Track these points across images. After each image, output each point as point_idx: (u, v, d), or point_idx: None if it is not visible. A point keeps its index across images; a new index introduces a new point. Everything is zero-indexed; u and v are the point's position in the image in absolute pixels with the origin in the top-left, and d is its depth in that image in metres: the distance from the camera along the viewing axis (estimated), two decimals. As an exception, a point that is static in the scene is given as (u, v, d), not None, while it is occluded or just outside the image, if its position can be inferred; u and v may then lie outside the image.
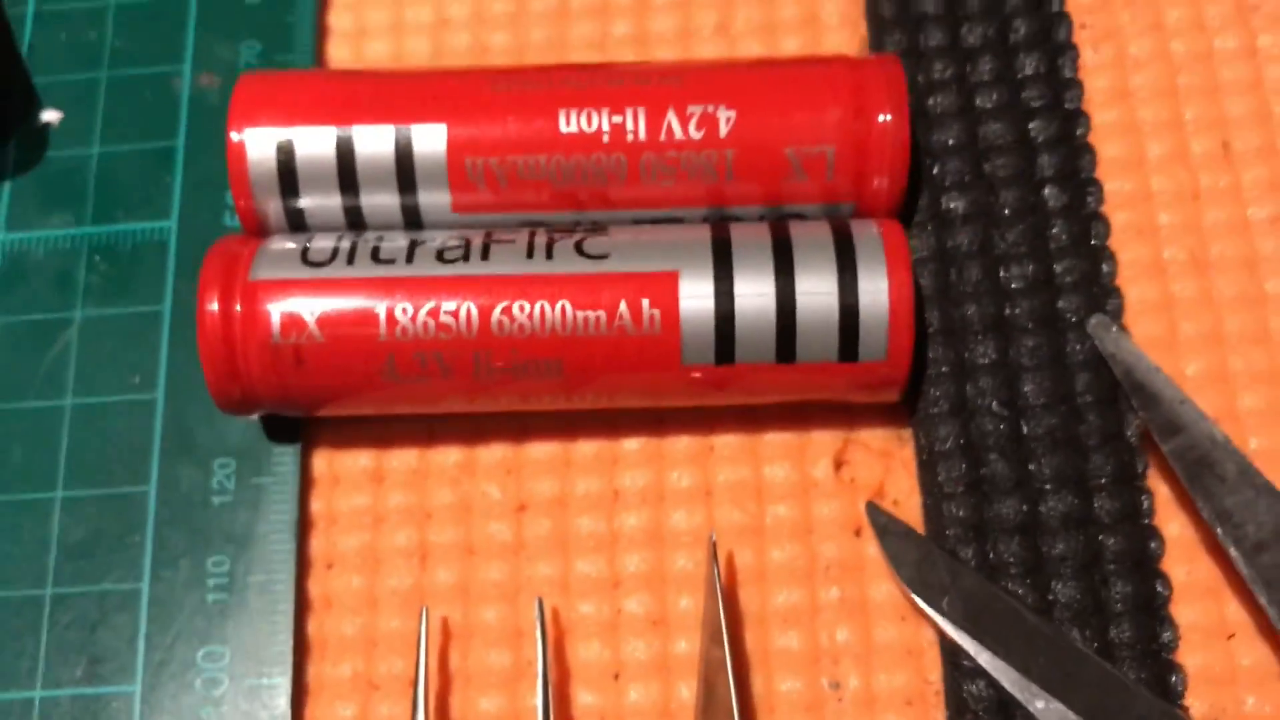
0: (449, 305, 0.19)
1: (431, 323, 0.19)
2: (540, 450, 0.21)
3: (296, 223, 0.20)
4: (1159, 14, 0.23)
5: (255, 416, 0.21)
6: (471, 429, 0.21)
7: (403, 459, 0.21)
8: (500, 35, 0.24)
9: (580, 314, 0.19)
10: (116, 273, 0.22)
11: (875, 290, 0.19)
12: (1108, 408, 0.20)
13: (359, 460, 0.21)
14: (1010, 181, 0.21)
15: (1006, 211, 0.21)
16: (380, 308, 0.19)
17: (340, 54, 0.24)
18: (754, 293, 0.19)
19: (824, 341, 0.19)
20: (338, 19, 0.24)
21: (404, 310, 0.19)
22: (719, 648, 0.18)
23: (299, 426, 0.21)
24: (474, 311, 0.19)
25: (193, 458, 0.21)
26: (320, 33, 0.24)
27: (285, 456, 0.21)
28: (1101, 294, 0.20)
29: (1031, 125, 0.21)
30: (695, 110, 0.20)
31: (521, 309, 0.19)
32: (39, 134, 0.23)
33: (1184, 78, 0.22)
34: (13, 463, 0.21)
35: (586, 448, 0.21)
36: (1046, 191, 0.21)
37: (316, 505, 0.21)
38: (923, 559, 0.19)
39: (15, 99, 0.24)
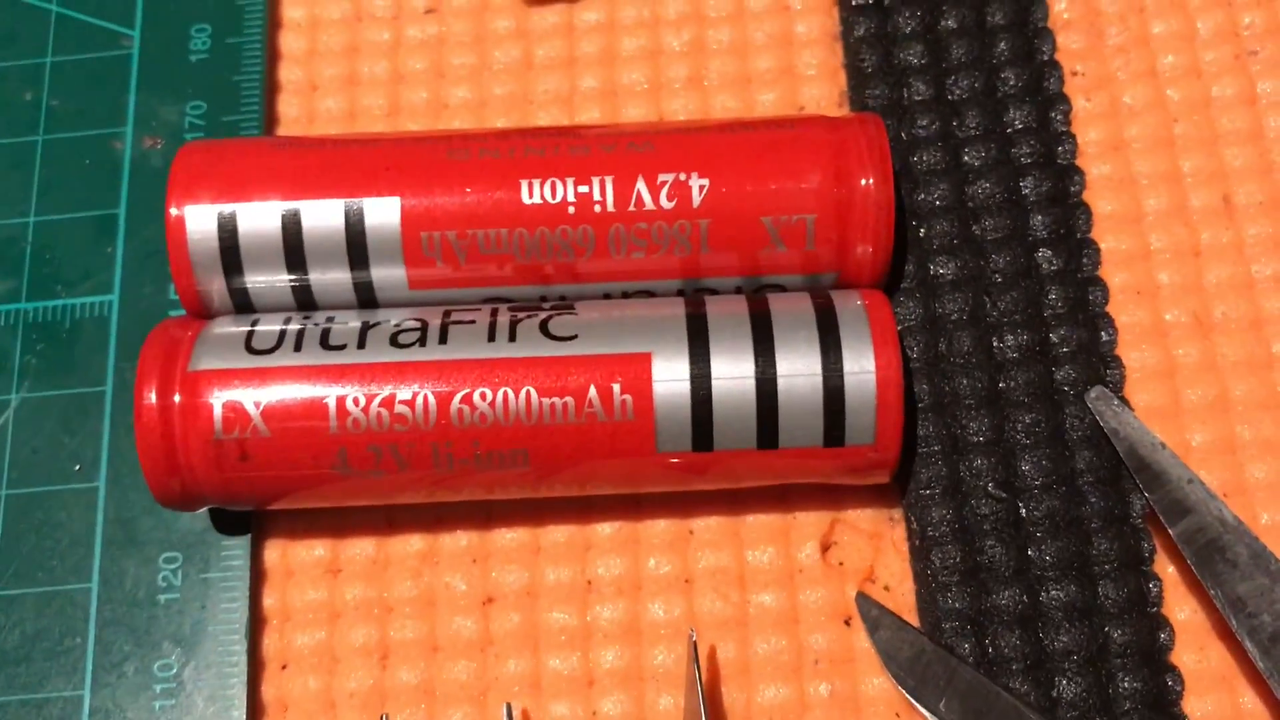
0: (404, 394, 0.17)
1: (385, 413, 0.17)
2: (507, 537, 0.20)
3: (242, 302, 0.19)
4: (1153, 60, 0.22)
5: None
6: (433, 515, 0.20)
7: (360, 548, 0.20)
8: (461, 90, 0.22)
9: (547, 400, 0.17)
10: (55, 351, 0.21)
11: (861, 370, 0.17)
12: (1111, 487, 0.18)
13: (314, 551, 0.20)
14: (1001, 244, 0.20)
15: (998, 277, 0.20)
16: (330, 398, 0.17)
17: (291, 111, 0.23)
18: (732, 375, 0.17)
19: (808, 426, 0.17)
20: (288, 73, 0.23)
21: (355, 400, 0.17)
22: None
23: (249, 516, 0.20)
24: (431, 400, 0.17)
25: (137, 552, 0.20)
26: (270, 89, 0.23)
27: (235, 549, 0.20)
28: (1100, 363, 0.19)
29: (1023, 183, 0.20)
30: (666, 178, 0.18)
31: (483, 396, 0.17)
32: (-30, 202, 0.22)
33: (1181, 127, 0.21)
34: (-57, 560, 0.20)
35: (557, 533, 0.20)
36: (1040, 254, 0.20)
37: (269, 600, 0.20)
38: (918, 654, 0.18)
39: (-54, 165, 0.22)
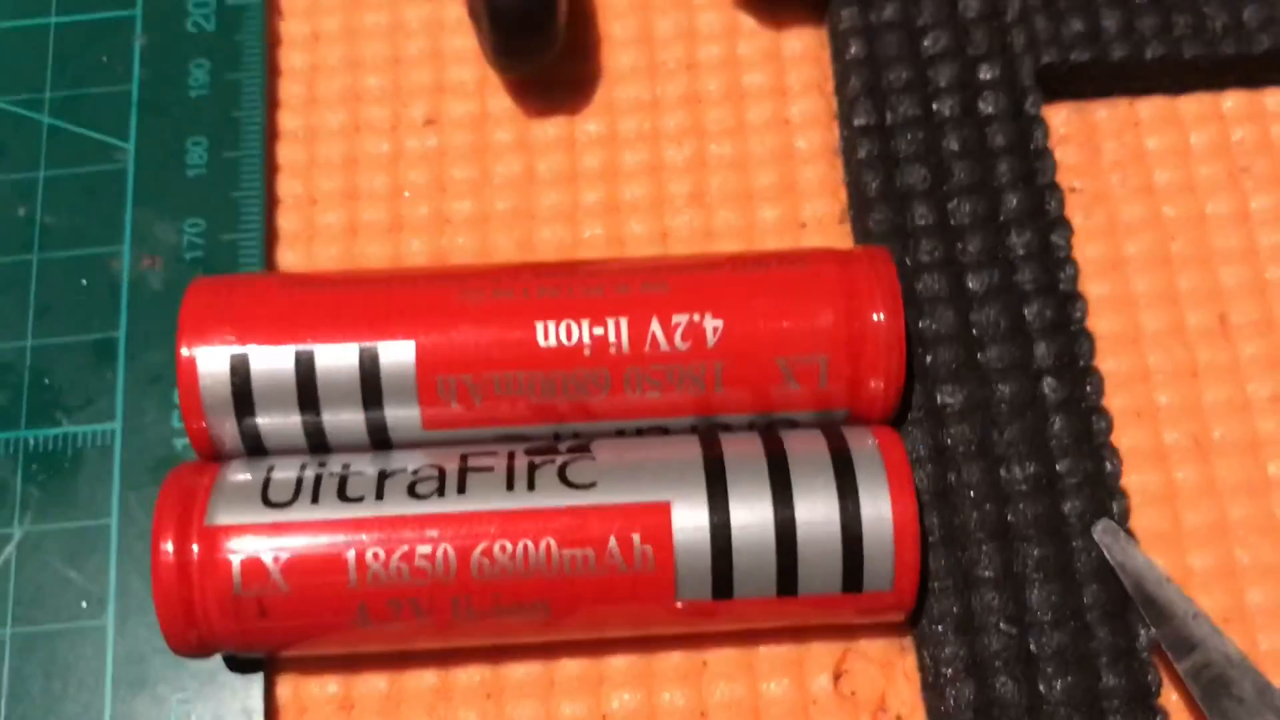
0: (424, 548, 0.17)
1: (406, 567, 0.17)
2: (521, 671, 0.20)
3: (253, 443, 0.19)
4: (1149, 175, 0.22)
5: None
6: (446, 650, 0.20)
7: (373, 685, 0.20)
8: (463, 204, 0.22)
9: (568, 552, 0.17)
10: (57, 482, 0.21)
11: (879, 517, 0.18)
12: (1118, 621, 0.19)
13: (326, 688, 0.20)
14: (1007, 373, 0.20)
15: (1004, 406, 0.20)
16: (349, 553, 0.17)
17: (291, 226, 0.22)
18: (752, 523, 0.18)
19: (827, 574, 0.18)
20: (287, 187, 0.23)
21: (375, 555, 0.17)
22: None
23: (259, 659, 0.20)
24: (451, 554, 0.17)
25: (148, 691, 0.19)
26: (269, 204, 0.22)
27: (248, 687, 0.19)
28: (1106, 494, 0.19)
29: (1026, 310, 0.20)
30: (680, 320, 0.18)
31: (503, 549, 0.17)
32: (-35, 325, 0.22)
33: (1178, 244, 0.22)
34: (-53, 703, 0.20)
35: (570, 667, 0.20)
36: (1045, 383, 0.20)
37: (283, 738, 0.20)
38: (933, 792, 0.18)
39: (-61, 286, 0.22)
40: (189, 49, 0.23)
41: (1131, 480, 0.20)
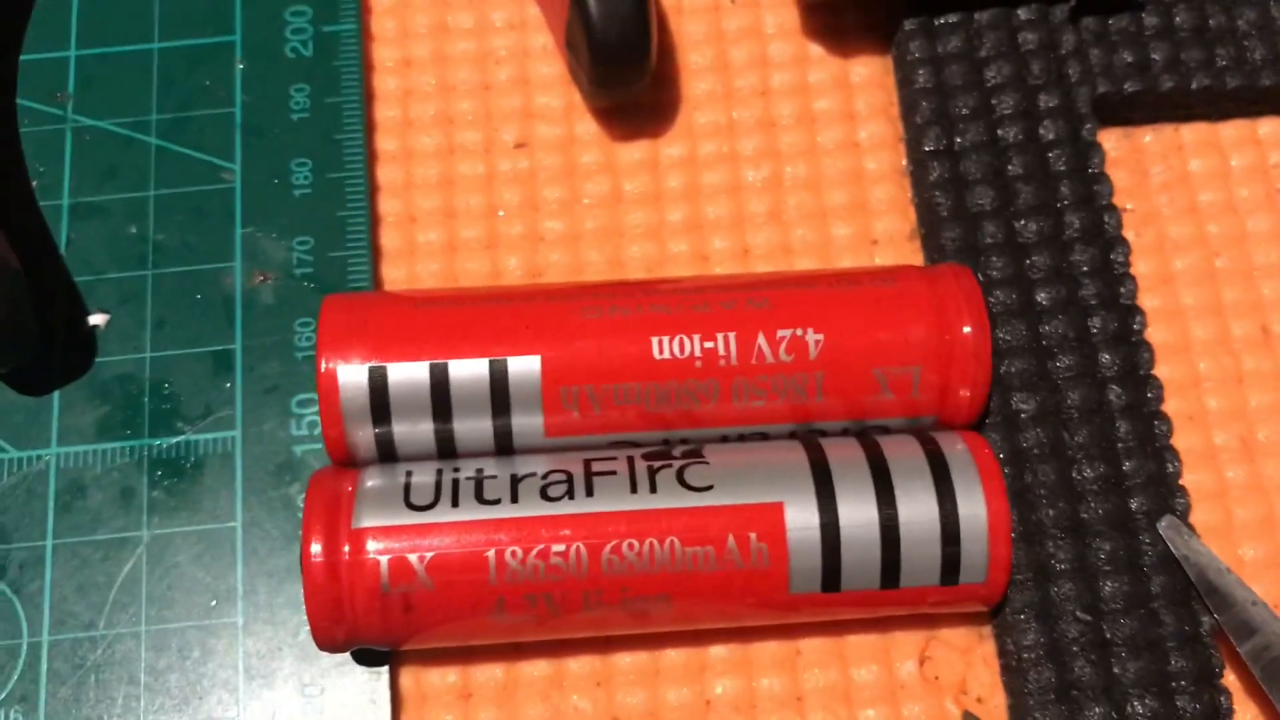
0: (558, 547, 0.19)
1: (541, 565, 0.19)
2: (627, 660, 0.21)
3: (386, 449, 0.20)
4: (1193, 197, 0.24)
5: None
6: (558, 641, 0.21)
7: (489, 674, 0.21)
8: (555, 222, 0.24)
9: (689, 549, 0.19)
10: (182, 487, 0.22)
11: (974, 515, 0.19)
12: (1183, 609, 0.20)
13: (446, 678, 0.21)
14: (1075, 381, 0.22)
15: (1074, 412, 0.21)
16: (490, 552, 0.19)
17: (393, 243, 0.24)
18: (858, 522, 0.19)
19: (928, 567, 0.19)
20: (387, 205, 0.24)
21: (514, 553, 0.19)
22: None
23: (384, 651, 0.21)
24: (584, 551, 0.19)
25: (279, 683, 0.21)
26: (372, 222, 0.24)
27: (375, 678, 0.21)
28: (1168, 492, 0.21)
29: (1091, 321, 0.22)
30: (784, 334, 0.20)
31: (631, 547, 0.19)
32: (85, 339, 0.23)
33: (1221, 260, 0.23)
34: (87, 697, 0.21)
35: (674, 656, 0.21)
36: (1110, 390, 0.22)
37: (407, 726, 0.21)
38: (1020, 768, 0.20)
39: (58, 300, 0.23)
40: (289, 74, 0.24)
41: (1191, 480, 0.22)
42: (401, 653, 0.21)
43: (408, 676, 0.21)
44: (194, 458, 0.22)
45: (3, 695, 0.21)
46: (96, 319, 0.23)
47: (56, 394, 0.22)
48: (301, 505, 0.22)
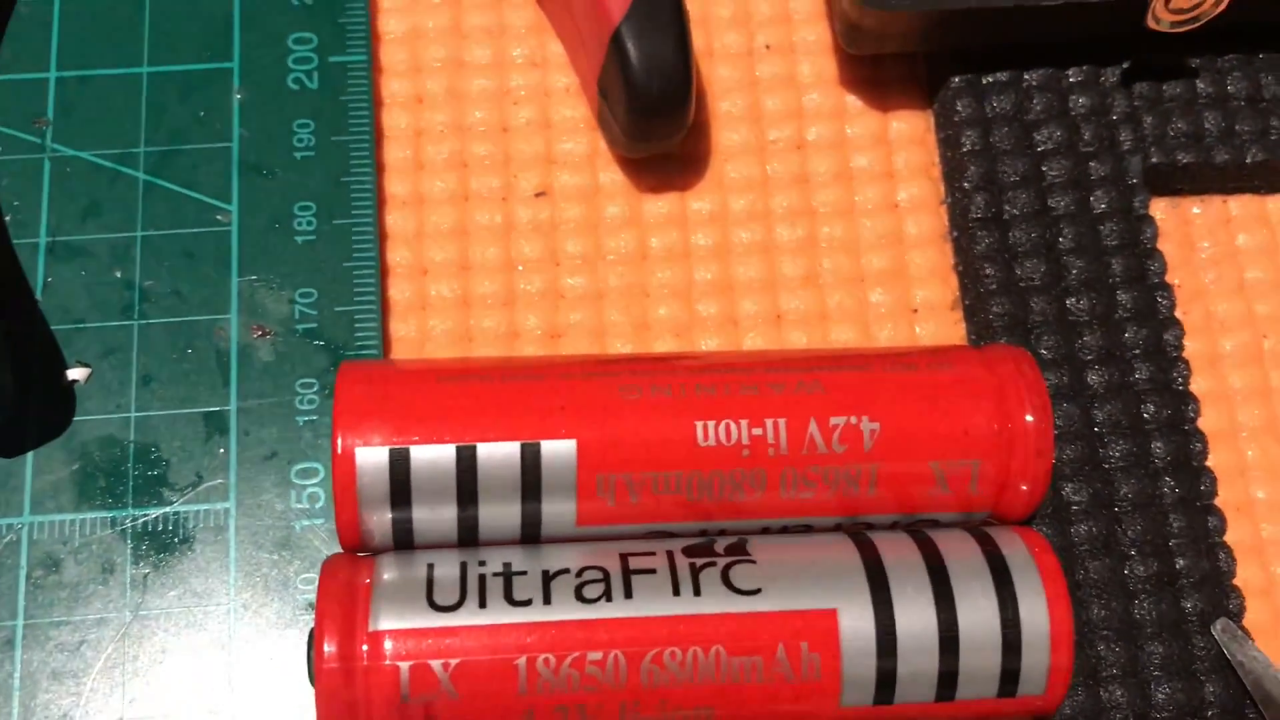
0: (594, 655, 0.17)
1: (576, 674, 0.17)
2: (655, 760, 0.20)
3: (403, 536, 0.18)
4: (1240, 272, 0.23)
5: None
6: (581, 740, 0.20)
7: (506, 774, 0.20)
8: (577, 279, 0.22)
9: (736, 660, 0.17)
10: (169, 564, 0.20)
11: (1037, 623, 0.18)
12: (1236, 717, 0.19)
13: (459, 778, 0.19)
14: (1128, 471, 0.21)
15: (1128, 505, 0.20)
16: (520, 660, 0.17)
17: (403, 297, 0.22)
18: (916, 631, 0.18)
19: (987, 678, 0.18)
20: (396, 255, 0.22)
21: (546, 661, 0.17)
22: None
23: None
24: (622, 661, 0.17)
25: (274, 784, 0.19)
26: (381, 273, 0.22)
27: (380, 781, 0.19)
28: (1222, 593, 0.20)
29: (1145, 407, 0.21)
30: (839, 423, 0.19)
31: (673, 656, 0.17)
32: (63, 396, 0.21)
33: (1270, 342, 0.23)
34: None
35: (704, 756, 0.20)
36: (1164, 481, 0.21)
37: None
38: None
39: (32, 352, 0.21)
40: (292, 107, 0.23)
41: (1241, 577, 0.21)
42: (410, 752, 0.19)
43: (415, 776, 0.19)
44: (183, 531, 0.20)
45: (-33, 795, 0.19)
46: (75, 373, 0.21)
47: (30, 456, 0.20)
48: (300, 587, 0.20)
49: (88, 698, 0.19)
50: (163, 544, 0.20)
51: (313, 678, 0.17)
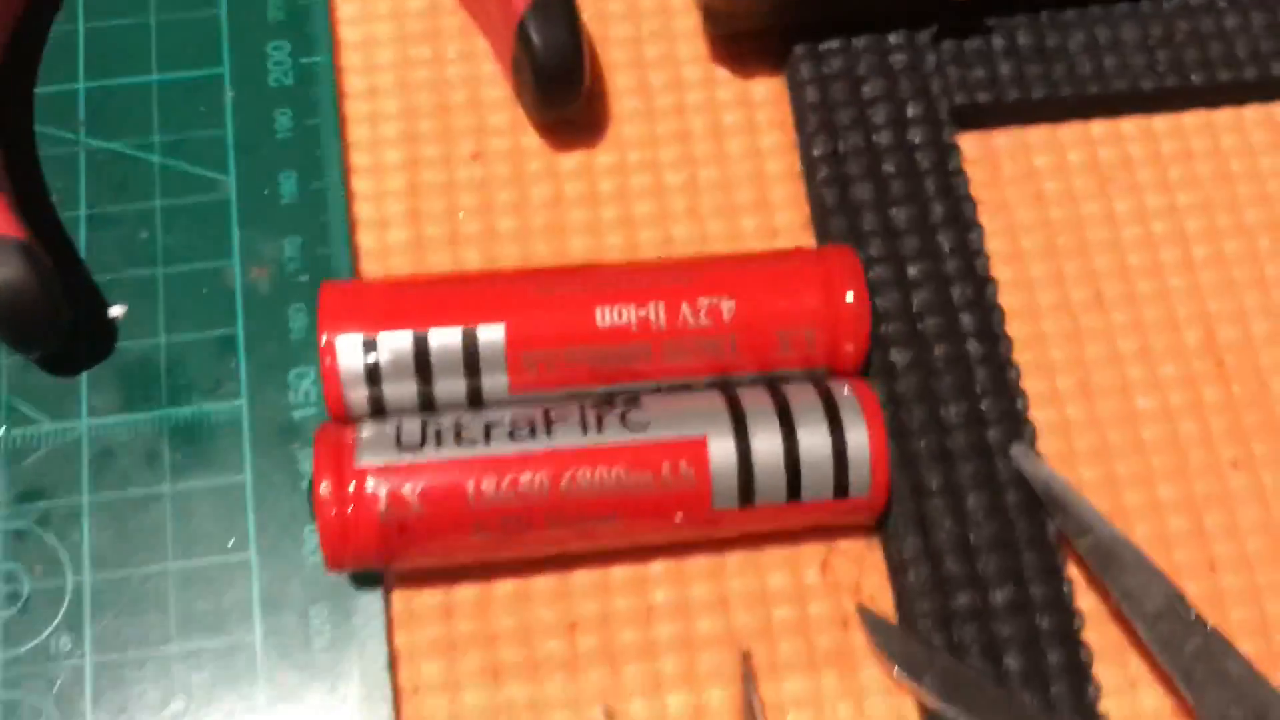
0: (525, 477, 0.23)
1: (511, 493, 0.23)
2: (583, 576, 0.25)
3: (376, 406, 0.24)
4: (1039, 186, 0.29)
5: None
6: (522, 563, 0.25)
7: (467, 593, 0.25)
8: (506, 220, 0.28)
9: (632, 476, 0.23)
10: (197, 449, 0.26)
11: (859, 444, 0.24)
12: (1031, 516, 0.25)
13: (431, 598, 0.25)
14: (940, 338, 0.26)
15: (940, 363, 0.26)
16: (469, 483, 0.23)
17: (368, 243, 0.28)
18: (767, 450, 0.24)
19: (823, 485, 0.24)
20: (362, 210, 0.28)
21: (488, 483, 0.23)
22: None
23: (379, 575, 0.25)
24: (545, 481, 0.23)
25: (290, 608, 0.25)
26: (350, 225, 0.28)
27: (372, 601, 0.25)
28: (1017, 425, 0.26)
29: (952, 290, 0.27)
30: (704, 302, 0.24)
31: (584, 475, 0.23)
32: (107, 328, 0.27)
33: (1062, 239, 0.28)
34: (125, 625, 0.24)
35: (621, 572, 0.25)
36: (969, 344, 0.26)
37: (400, 639, 0.25)
38: (904, 647, 0.24)
39: (81, 296, 0.27)
40: (273, 100, 0.28)
41: (1036, 415, 0.27)
42: (394, 577, 0.25)
43: (399, 599, 0.25)
44: (207, 424, 0.26)
45: (53, 626, 0.24)
46: (115, 311, 0.27)
47: (85, 374, 0.26)
48: (301, 460, 0.26)
49: (141, 552, 0.25)
50: (192, 435, 0.26)
51: (313, 513, 0.23)
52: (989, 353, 0.26)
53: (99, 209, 0.28)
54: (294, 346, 0.27)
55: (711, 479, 0.23)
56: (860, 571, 0.26)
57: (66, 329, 0.25)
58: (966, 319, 0.27)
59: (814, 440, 0.24)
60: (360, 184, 0.28)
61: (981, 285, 0.27)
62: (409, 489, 0.23)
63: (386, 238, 0.28)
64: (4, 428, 0.26)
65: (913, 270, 0.27)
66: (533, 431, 0.23)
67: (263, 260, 0.27)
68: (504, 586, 0.25)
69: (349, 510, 0.23)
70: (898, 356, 0.26)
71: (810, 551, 0.26)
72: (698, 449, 0.23)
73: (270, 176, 0.28)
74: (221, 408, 0.26)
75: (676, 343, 0.24)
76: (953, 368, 0.26)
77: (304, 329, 0.27)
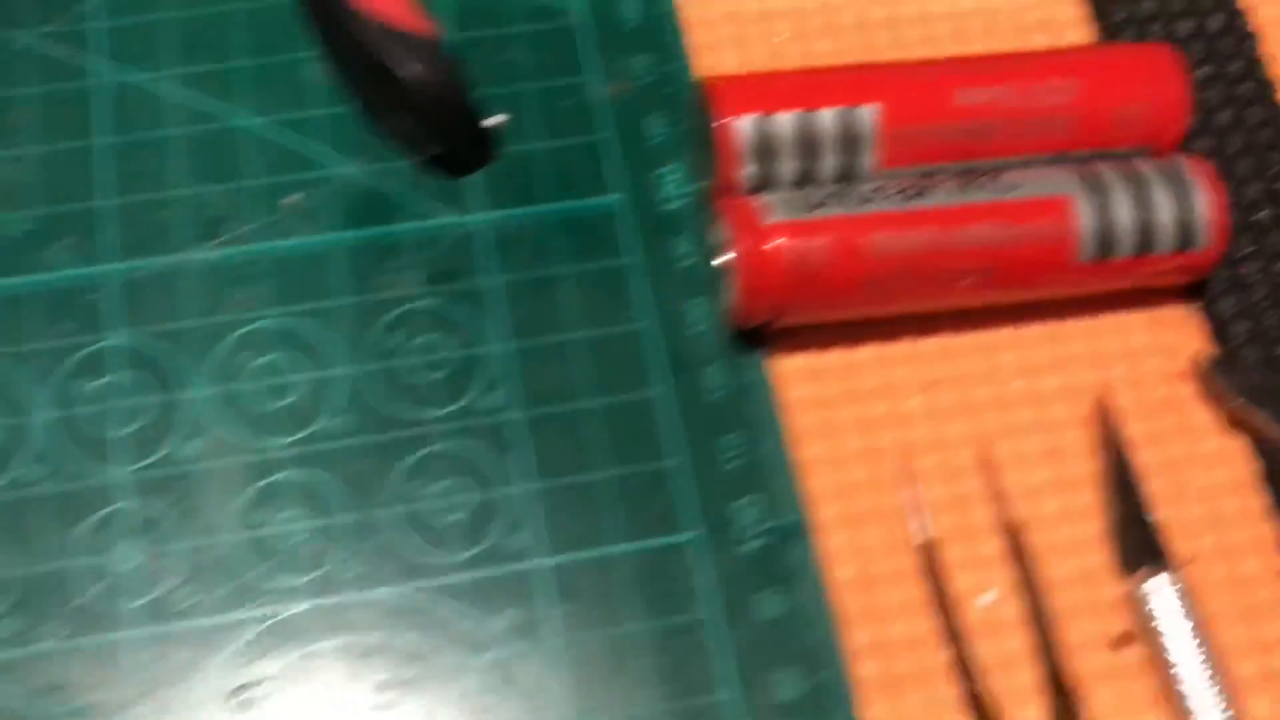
0: (914, 231, 0.26)
1: (903, 245, 0.26)
2: (935, 343, 0.28)
3: (763, 184, 0.27)
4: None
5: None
6: (886, 326, 0.28)
7: (832, 358, 0.28)
8: (822, 43, 0.31)
9: (1010, 229, 0.26)
10: (588, 238, 0.29)
11: (1203, 204, 0.27)
12: (1340, 275, 0.28)
13: (801, 362, 0.28)
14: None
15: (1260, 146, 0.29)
16: (867, 237, 0.26)
17: (707, 61, 0.31)
18: (1122, 209, 0.26)
19: (1168, 239, 0.27)
20: (698, 35, 0.31)
21: (883, 237, 0.26)
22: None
23: (765, 337, 0.28)
24: (933, 234, 0.26)
25: (688, 368, 0.28)
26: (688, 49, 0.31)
27: (757, 361, 0.28)
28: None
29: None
30: (1052, 83, 0.27)
31: (965, 229, 0.26)
32: (490, 135, 0.29)
33: None
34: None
35: (968, 339, 0.28)
36: None
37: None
38: (1247, 380, 0.27)
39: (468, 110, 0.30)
40: None
41: (1328, 194, 0.29)
42: (774, 342, 0.28)
43: (777, 361, 0.28)
44: (593, 217, 0.29)
45: (480, 388, 0.27)
46: (495, 120, 0.29)
47: (480, 175, 0.29)
48: (678, 245, 0.28)
49: (545, 319, 0.28)
50: (583, 228, 0.29)
51: (711, 283, 0.26)
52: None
53: (467, 32, 0.30)
54: (657, 150, 0.29)
55: (1077, 233, 0.26)
56: (1185, 335, 0.29)
57: (473, 122, 0.28)
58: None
59: (1162, 202, 0.27)
60: (689, 12, 0.31)
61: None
62: (817, 242, 0.26)
63: (722, 59, 0.31)
64: (412, 222, 0.29)
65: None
66: (919, 194, 0.26)
67: (616, 76, 0.30)
68: (866, 351, 0.28)
69: (761, 264, 0.26)
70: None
71: (1139, 318, 0.29)
72: (1064, 206, 0.26)
73: (613, 4, 0.31)
74: (602, 201, 0.29)
75: (1026, 121, 0.27)
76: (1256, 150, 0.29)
77: (660, 136, 0.30)
